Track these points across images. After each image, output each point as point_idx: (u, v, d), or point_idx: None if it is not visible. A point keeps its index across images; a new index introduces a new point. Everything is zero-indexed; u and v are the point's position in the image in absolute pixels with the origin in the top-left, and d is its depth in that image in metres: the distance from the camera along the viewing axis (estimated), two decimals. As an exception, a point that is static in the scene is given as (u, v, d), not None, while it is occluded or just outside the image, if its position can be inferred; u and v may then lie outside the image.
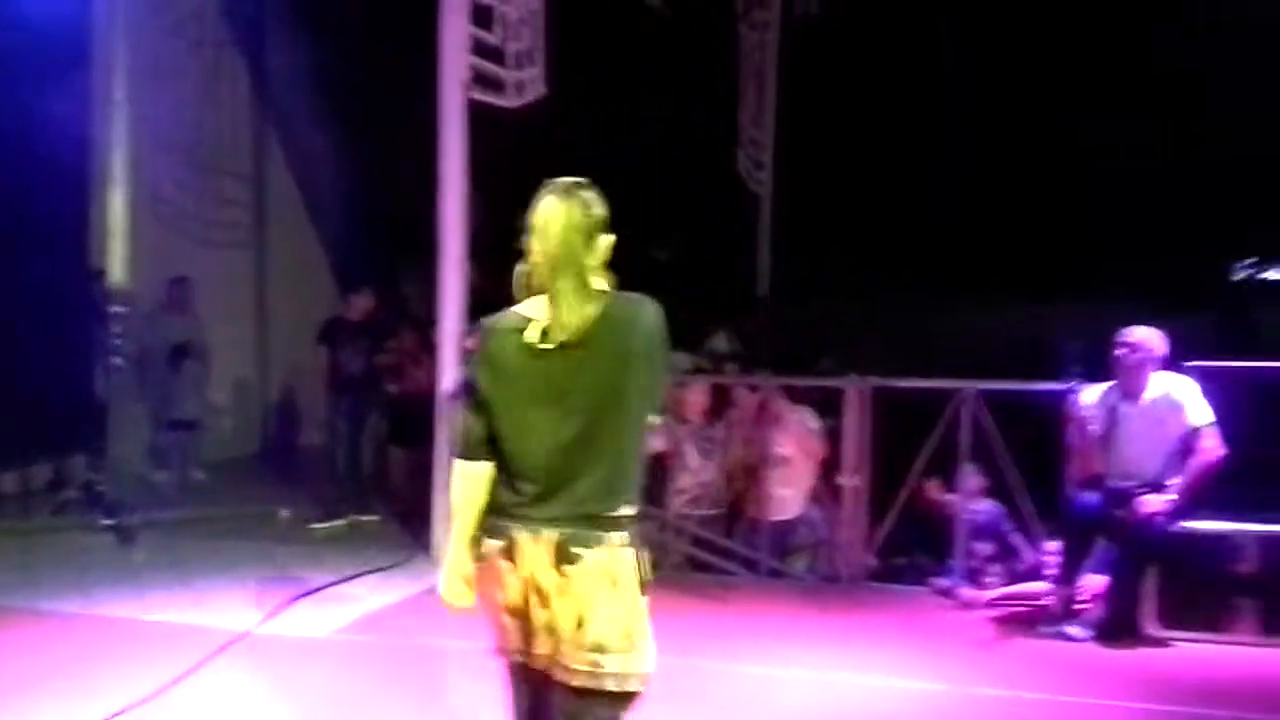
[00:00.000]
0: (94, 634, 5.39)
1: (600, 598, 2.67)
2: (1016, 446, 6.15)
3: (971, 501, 6.19)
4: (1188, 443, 5.41)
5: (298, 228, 11.75)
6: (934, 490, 6.25)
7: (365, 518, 8.00)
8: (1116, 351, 5.52)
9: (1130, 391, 5.54)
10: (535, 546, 2.70)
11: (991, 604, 5.92)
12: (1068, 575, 5.56)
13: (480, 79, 6.91)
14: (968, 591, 6.02)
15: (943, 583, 6.15)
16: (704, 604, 6.01)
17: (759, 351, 10.53)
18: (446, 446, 6.46)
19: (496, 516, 2.78)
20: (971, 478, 6.19)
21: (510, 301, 2.81)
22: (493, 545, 2.76)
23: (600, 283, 2.76)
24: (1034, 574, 5.98)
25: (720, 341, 10.19)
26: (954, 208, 11.56)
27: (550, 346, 2.70)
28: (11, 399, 7.42)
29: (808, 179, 11.68)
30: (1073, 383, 5.61)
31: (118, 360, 7.52)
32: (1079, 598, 5.51)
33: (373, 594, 6.19)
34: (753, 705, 4.63)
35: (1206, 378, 5.51)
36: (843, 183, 11.80)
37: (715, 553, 6.62)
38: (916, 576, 6.39)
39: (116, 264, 7.58)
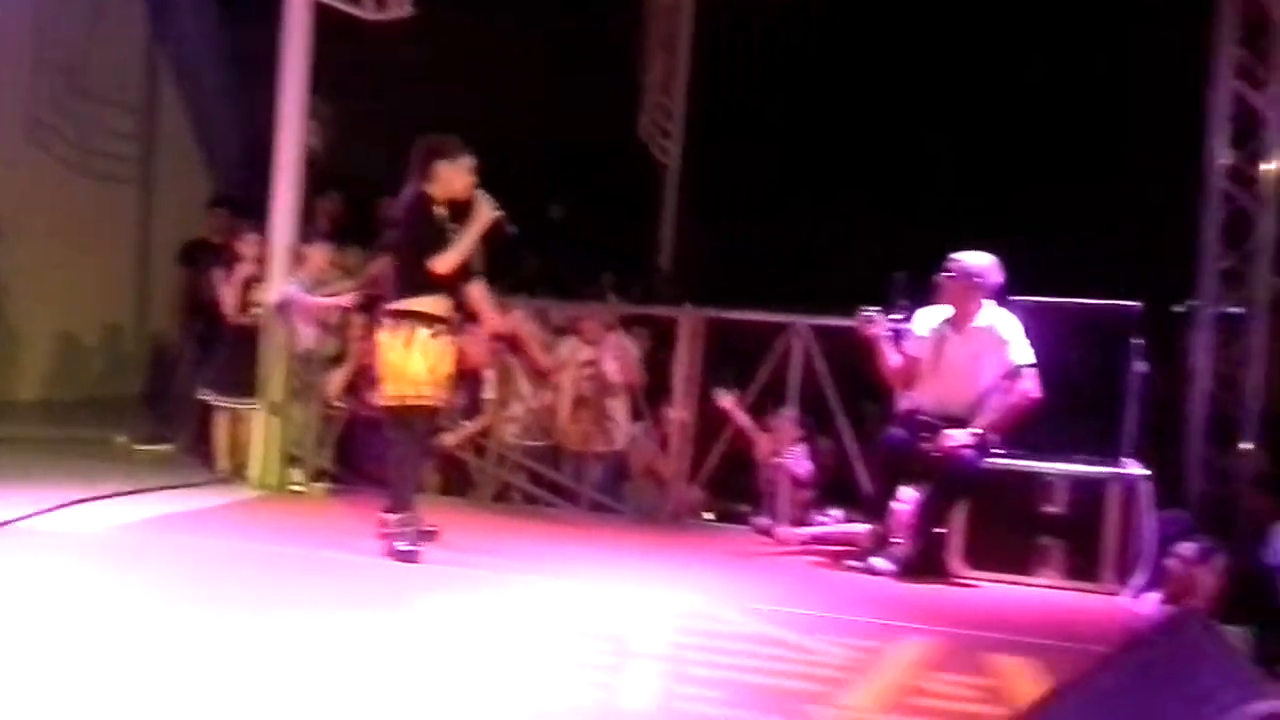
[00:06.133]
0: None
1: None
2: (855, 381, 5.96)
3: (789, 445, 5.98)
4: (1006, 380, 5.23)
5: (189, 166, 11.42)
6: (725, 401, 6.03)
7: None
8: (942, 275, 5.33)
9: (955, 320, 5.35)
10: None
11: (808, 543, 5.70)
12: (877, 510, 5.37)
13: (334, -14, 6.66)
14: (785, 530, 5.80)
15: (762, 521, 5.93)
16: (516, 527, 5.79)
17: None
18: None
19: None
20: (788, 422, 5.97)
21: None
22: None
23: None
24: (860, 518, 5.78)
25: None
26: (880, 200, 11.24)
27: None
28: None
29: (721, 155, 11.43)
30: (898, 314, 5.42)
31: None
32: (888, 533, 5.31)
33: (168, 504, 5.90)
34: (522, 609, 4.37)
35: (1029, 313, 5.35)
36: (761, 163, 11.56)
37: (541, 485, 6.38)
38: (741, 516, 6.18)
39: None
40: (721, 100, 11.23)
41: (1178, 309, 7.24)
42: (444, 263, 4.85)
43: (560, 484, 6.38)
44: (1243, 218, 6.83)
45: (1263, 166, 6.81)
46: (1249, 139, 6.82)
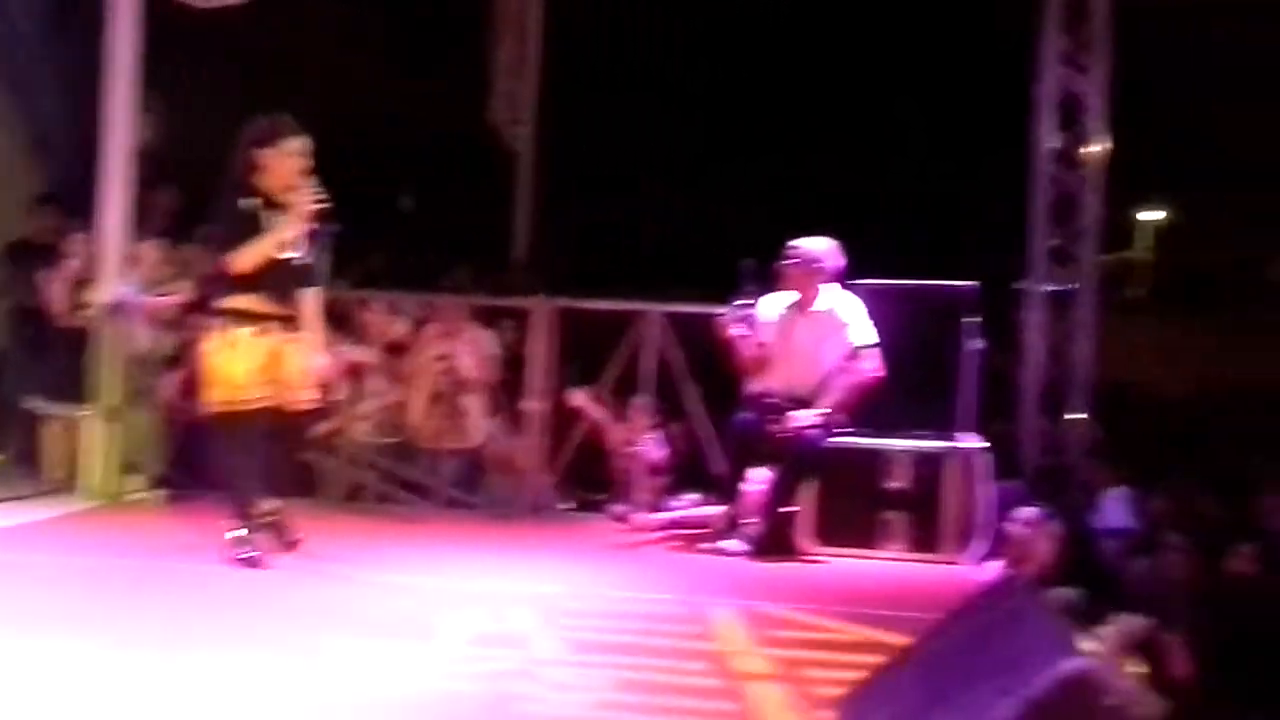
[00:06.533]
0: None
1: None
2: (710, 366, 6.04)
3: (643, 433, 6.03)
4: (849, 361, 5.37)
5: (14, 162, 10.75)
6: (576, 399, 6.06)
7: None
8: (784, 262, 5.44)
9: (798, 304, 5.47)
10: None
11: (662, 527, 5.76)
12: (728, 492, 5.46)
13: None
14: (641, 517, 5.85)
15: (619, 509, 5.98)
16: (370, 527, 5.67)
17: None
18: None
19: None
20: (642, 410, 6.02)
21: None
22: None
23: None
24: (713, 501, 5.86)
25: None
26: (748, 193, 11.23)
27: None
28: None
29: (575, 142, 11.37)
30: (745, 299, 5.50)
31: None
32: (740, 514, 5.40)
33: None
34: (385, 609, 4.25)
35: (872, 295, 5.50)
36: (615, 149, 11.53)
37: (395, 483, 6.28)
38: (598, 506, 6.21)
39: None
40: (574, 86, 11.18)
41: (1013, 287, 7.55)
42: (239, 261, 4.57)
43: (415, 481, 6.29)
44: (1070, 199, 7.16)
45: (1088, 149, 7.14)
46: (1074, 123, 7.15)
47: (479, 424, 6.39)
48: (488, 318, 6.89)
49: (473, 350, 6.34)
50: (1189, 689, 3.11)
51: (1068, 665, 1.98)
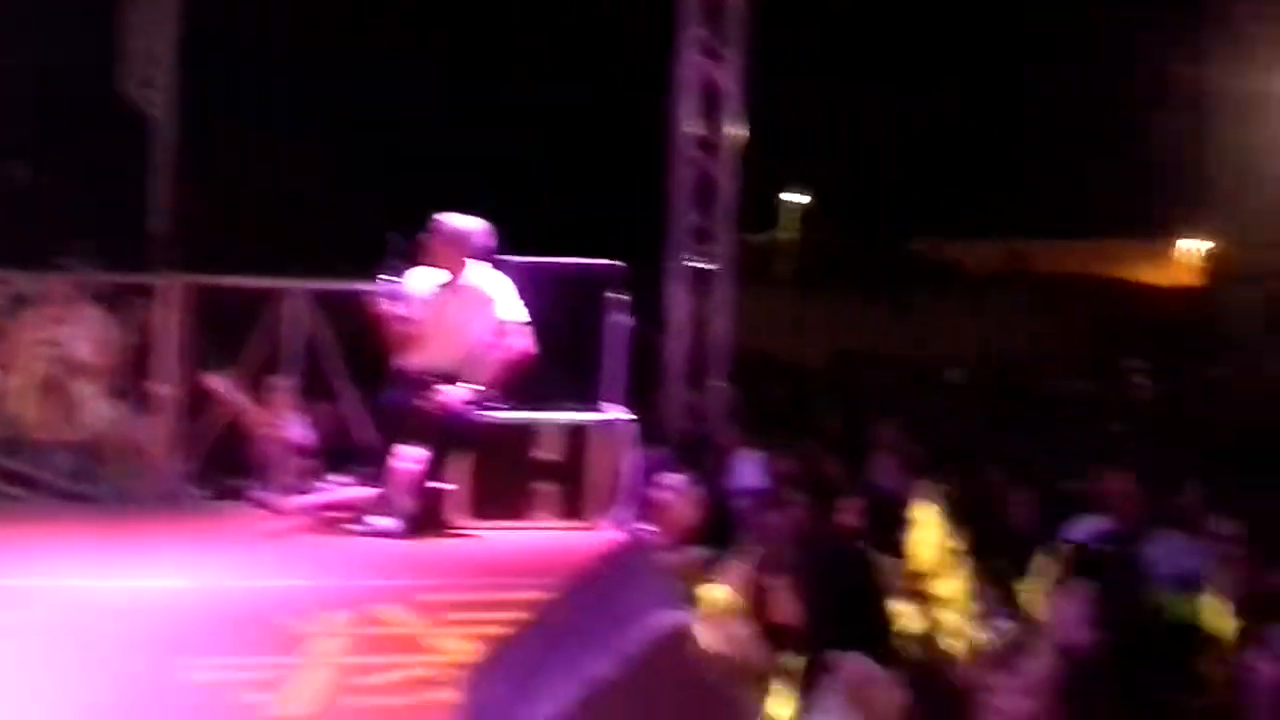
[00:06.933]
0: None
1: None
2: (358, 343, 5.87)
3: (286, 414, 5.80)
4: (495, 337, 5.39)
5: None
6: (214, 382, 5.78)
7: None
8: (427, 237, 5.38)
9: (445, 280, 5.43)
10: None
11: (311, 511, 5.56)
12: (378, 471, 5.34)
13: None
14: (285, 501, 5.62)
15: (261, 494, 5.71)
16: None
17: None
18: None
19: None
20: (283, 391, 5.79)
21: None
22: None
23: None
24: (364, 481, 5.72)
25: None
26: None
27: None
28: None
29: (218, 107, 10.64)
30: (392, 274, 5.39)
31: None
32: (391, 493, 5.31)
33: None
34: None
35: (521, 272, 5.55)
36: (261, 117, 10.92)
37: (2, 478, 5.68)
38: (238, 492, 5.91)
39: None
40: (214, 46, 10.46)
41: (658, 265, 7.88)
42: None
43: (23, 474, 5.71)
44: (710, 182, 7.54)
45: (725, 134, 7.54)
46: (713, 109, 7.53)
47: (95, 411, 5.88)
48: (116, 296, 6.37)
49: (87, 332, 5.82)
50: (795, 633, 3.37)
51: (661, 619, 2.08)
